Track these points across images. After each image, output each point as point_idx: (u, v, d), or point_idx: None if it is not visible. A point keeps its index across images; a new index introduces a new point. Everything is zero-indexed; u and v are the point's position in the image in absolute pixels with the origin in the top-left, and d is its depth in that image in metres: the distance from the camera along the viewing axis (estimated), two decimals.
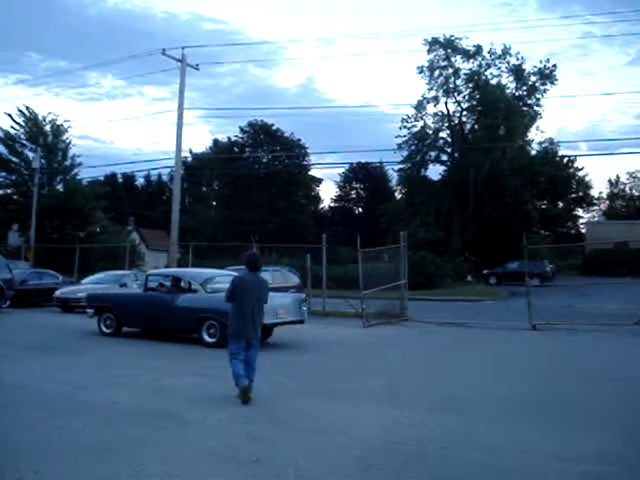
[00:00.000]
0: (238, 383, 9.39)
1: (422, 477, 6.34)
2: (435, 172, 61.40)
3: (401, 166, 60.33)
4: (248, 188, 62.74)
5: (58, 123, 48.37)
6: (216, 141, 72.84)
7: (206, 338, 15.52)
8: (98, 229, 48.11)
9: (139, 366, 12.70)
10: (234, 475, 6.26)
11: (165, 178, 77.79)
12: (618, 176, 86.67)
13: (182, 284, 16.99)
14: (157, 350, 15.15)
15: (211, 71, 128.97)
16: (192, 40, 77.73)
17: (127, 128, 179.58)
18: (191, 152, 70.80)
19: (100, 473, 6.24)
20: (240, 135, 67.70)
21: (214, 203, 73.00)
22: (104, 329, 17.57)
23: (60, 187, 48.08)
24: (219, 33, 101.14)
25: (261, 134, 67.08)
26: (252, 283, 9.94)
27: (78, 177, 49.19)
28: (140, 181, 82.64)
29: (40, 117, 47.86)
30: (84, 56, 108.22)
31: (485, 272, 48.40)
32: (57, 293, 25.74)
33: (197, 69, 34.85)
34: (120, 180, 76.07)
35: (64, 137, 48.52)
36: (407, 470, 6.54)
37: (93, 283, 26.34)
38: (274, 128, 66.31)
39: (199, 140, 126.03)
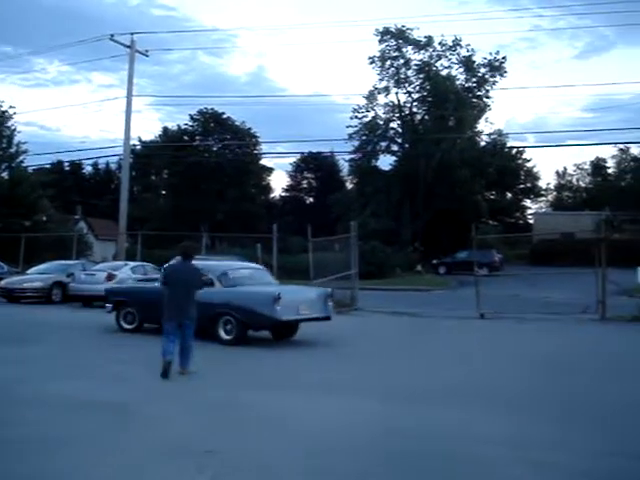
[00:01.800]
0: (164, 357, 10.43)
1: (377, 464, 6.34)
2: (386, 162, 61.67)
3: (352, 156, 60.50)
4: (198, 177, 62.15)
5: (2, 109, 47.30)
6: (166, 129, 71.97)
7: (222, 335, 14.51)
8: (44, 218, 47.15)
9: (102, 357, 12.51)
10: (188, 466, 6.18)
11: (113, 166, 76.72)
12: (565, 168, 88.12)
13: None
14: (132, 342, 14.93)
15: (161, 58, 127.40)
16: (141, 26, 76.94)
17: (74, 115, 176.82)
18: (140, 140, 69.75)
19: (51, 466, 6.12)
20: (190, 123, 67.04)
21: (163, 192, 72.19)
22: (124, 325, 16.53)
23: (5, 175, 47.02)
24: (169, 20, 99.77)
25: (211, 122, 66.50)
26: (183, 271, 11.13)
27: (24, 165, 48.19)
28: (88, 169, 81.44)
29: None
30: (30, 41, 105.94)
31: (435, 262, 48.79)
32: (2, 283, 25.21)
33: (146, 56, 34.41)
34: (67, 168, 74.77)
35: (9, 124, 47.44)
36: (362, 456, 6.54)
37: (39, 273, 25.88)
38: (225, 117, 65.84)
39: (148, 128, 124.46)
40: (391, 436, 7.32)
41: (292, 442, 7.06)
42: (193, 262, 11.50)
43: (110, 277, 23.71)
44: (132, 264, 26.06)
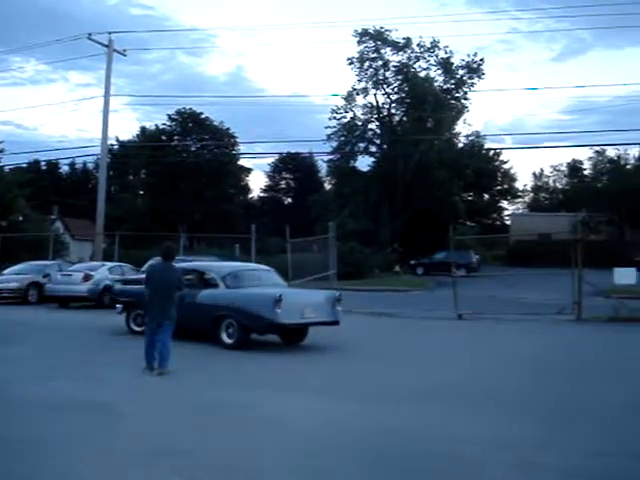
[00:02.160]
0: (147, 360, 10.97)
1: (355, 465, 6.35)
2: (364, 163, 61.74)
3: (330, 157, 60.49)
4: (176, 177, 61.85)
5: None
6: (143, 129, 71.59)
7: (225, 339, 14.03)
8: (20, 218, 46.70)
9: (82, 358, 12.43)
10: (164, 467, 6.17)
11: (91, 166, 76.07)
12: (542, 169, 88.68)
13: (205, 278, 15.46)
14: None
15: (139, 57, 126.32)
16: (119, 25, 76.36)
17: (51, 114, 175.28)
18: (117, 140, 69.30)
19: (28, 467, 6.08)
20: (168, 123, 66.74)
21: (141, 192, 71.74)
22: (134, 327, 15.91)
23: None
24: (147, 19, 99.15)
25: (190, 122, 66.19)
26: (163, 271, 11.44)
27: (0, 164, 47.71)
28: (65, 169, 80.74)
29: None
30: (7, 40, 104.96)
31: (413, 263, 48.94)
32: None
33: (124, 55, 34.20)
34: (44, 168, 74.12)
35: None
36: (340, 458, 6.55)
37: (15, 273, 25.66)
38: (203, 117, 65.61)
39: (126, 128, 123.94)
40: (378, 437, 7.34)
41: (272, 443, 7.06)
42: (173, 263, 11.81)
43: (87, 278, 23.58)
44: (109, 264, 25.93)
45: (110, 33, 32.84)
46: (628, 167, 64.80)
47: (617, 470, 6.32)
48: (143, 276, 20.93)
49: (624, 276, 23.99)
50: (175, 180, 61.95)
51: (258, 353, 13.60)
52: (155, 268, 12.09)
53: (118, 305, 16.49)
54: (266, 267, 17.23)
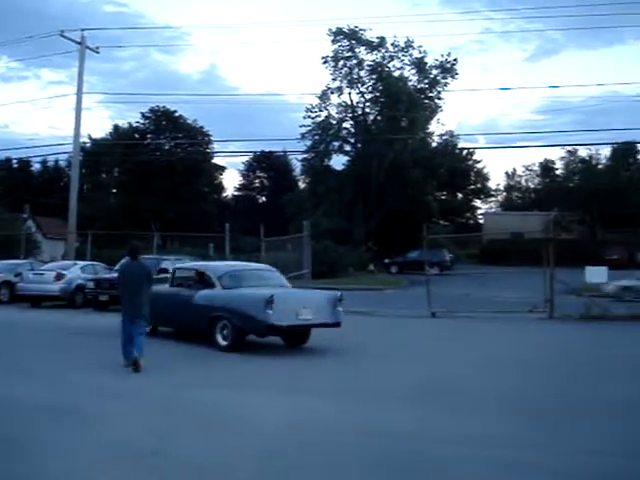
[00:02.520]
0: (125, 357, 11.30)
1: (326, 464, 6.35)
2: (339, 162, 61.79)
3: (305, 156, 60.49)
4: (149, 175, 61.46)
5: None
6: (116, 127, 71.07)
7: (219, 340, 13.68)
8: None
9: (52, 358, 12.31)
10: (134, 468, 6.13)
11: (63, 164, 75.41)
12: (515, 169, 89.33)
13: (204, 279, 15.06)
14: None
15: (111, 55, 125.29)
16: (92, 22, 75.65)
17: (23, 112, 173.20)
18: (90, 138, 68.72)
19: None
20: (141, 121, 66.30)
21: (114, 190, 71.22)
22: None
23: None
24: (120, 16, 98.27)
25: (163, 120, 65.81)
26: (133, 269, 11.86)
27: None
28: (36, 167, 79.83)
29: None
30: None
31: (387, 261, 49.07)
32: None
33: (97, 52, 33.97)
34: (15, 166, 73.32)
35: None
36: (310, 456, 6.55)
37: None
38: (177, 115, 65.26)
39: (99, 126, 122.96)
40: (354, 436, 7.35)
41: (243, 442, 7.04)
42: (141, 260, 12.43)
43: (59, 277, 23.39)
44: (82, 263, 25.74)
45: (83, 30, 32.64)
46: (600, 167, 65.46)
47: (600, 468, 6.36)
48: (116, 275, 20.90)
49: (595, 275, 24.25)
50: (148, 179, 61.57)
51: (250, 355, 13.27)
52: (124, 266, 12.52)
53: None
54: (268, 267, 16.85)
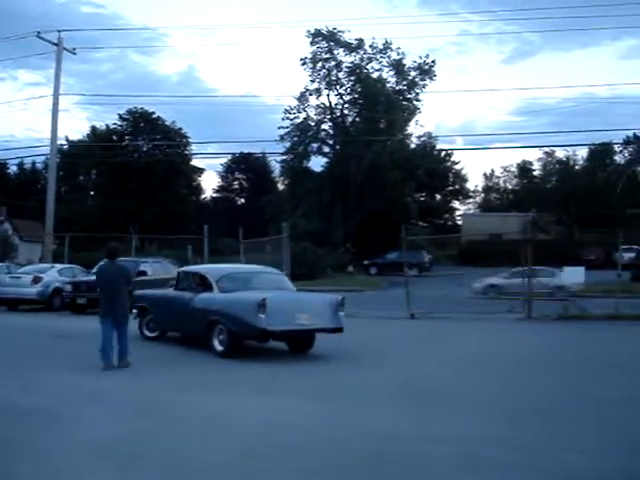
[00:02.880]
0: (104, 360, 11.34)
1: (302, 464, 6.35)
2: (317, 164, 61.82)
3: (284, 157, 60.44)
4: (127, 177, 61.15)
5: None
6: (94, 128, 70.71)
7: (216, 345, 13.18)
8: None
9: (29, 361, 12.20)
10: (111, 471, 6.08)
11: (40, 166, 74.88)
12: (493, 170, 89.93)
13: (204, 282, 14.49)
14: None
15: (89, 56, 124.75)
16: (69, 23, 75.13)
17: None
18: (67, 139, 68.35)
19: None
20: (119, 123, 65.99)
21: (92, 193, 70.89)
22: (146, 332, 15.41)
23: None
24: (98, 17, 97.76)
25: (141, 122, 65.54)
26: (111, 271, 12.03)
27: None
28: (13, 169, 79.20)
29: None
30: None
31: (366, 263, 49.14)
32: None
33: (74, 53, 33.81)
34: None
35: None
36: (288, 458, 6.54)
37: None
38: (155, 116, 64.99)
39: (76, 127, 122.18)
40: (326, 437, 7.35)
41: (223, 444, 7.02)
42: (118, 261, 12.67)
43: (36, 280, 23.22)
44: (59, 266, 25.58)
45: (60, 31, 32.45)
46: (577, 168, 66.07)
47: (577, 466, 6.40)
48: (94, 278, 20.80)
49: (573, 275, 24.47)
50: (126, 181, 61.28)
51: (243, 360, 12.75)
52: (102, 268, 12.67)
53: (134, 310, 15.52)
54: (273, 269, 16.37)
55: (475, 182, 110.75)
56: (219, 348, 13.10)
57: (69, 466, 6.26)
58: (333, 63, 58.27)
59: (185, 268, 16.99)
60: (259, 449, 6.82)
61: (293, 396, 9.51)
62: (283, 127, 58.58)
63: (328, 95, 59.32)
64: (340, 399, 9.34)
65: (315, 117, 59.78)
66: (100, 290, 12.27)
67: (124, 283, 11.93)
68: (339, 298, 13.79)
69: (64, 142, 63.75)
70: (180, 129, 66.02)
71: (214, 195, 79.25)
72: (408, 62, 58.44)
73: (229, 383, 10.67)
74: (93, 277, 22.79)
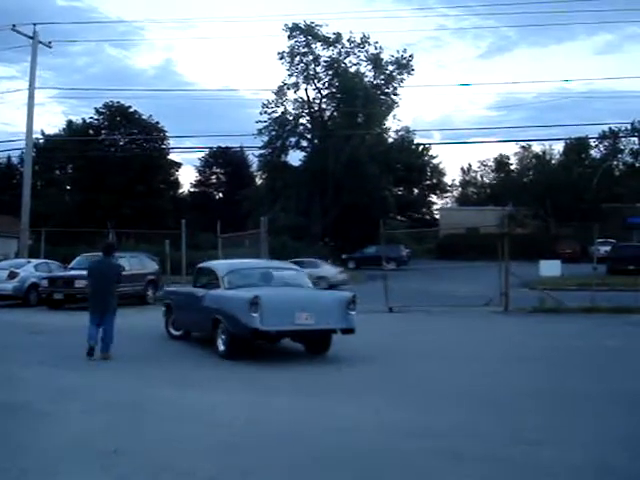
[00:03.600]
0: (88, 342, 11.85)
1: (284, 458, 6.37)
2: (296, 158, 61.79)
3: (262, 151, 60.34)
4: (104, 172, 60.69)
5: None
6: (70, 123, 70.22)
7: (219, 345, 12.39)
8: None
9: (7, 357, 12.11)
10: (93, 467, 6.06)
11: (15, 160, 74.17)
12: (470, 164, 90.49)
13: (215, 278, 13.58)
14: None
15: (65, 50, 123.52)
16: (45, 16, 74.32)
17: None
18: (43, 134, 67.86)
19: None
20: (95, 117, 65.49)
21: (68, 187, 70.35)
22: (172, 331, 14.76)
23: None
24: (73, 10, 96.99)
25: (117, 116, 65.07)
26: (102, 266, 12.63)
27: None
28: None
29: None
30: None
31: (344, 257, 49.20)
32: None
33: (50, 47, 33.47)
34: None
35: None
36: (269, 450, 6.56)
37: None
38: (131, 110, 64.55)
39: (52, 121, 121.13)
40: (305, 432, 7.37)
41: (204, 440, 7.02)
42: (112, 258, 13.21)
43: (12, 275, 23.04)
44: (35, 262, 25.38)
45: (35, 24, 32.10)
46: (553, 162, 66.49)
47: (533, 458, 6.47)
48: (71, 273, 20.69)
49: (549, 268, 24.65)
50: (103, 175, 60.84)
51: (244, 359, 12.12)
52: (96, 263, 13.11)
53: (162, 307, 15.59)
54: (291, 265, 15.62)
55: (453, 176, 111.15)
56: (221, 348, 12.35)
57: (46, 462, 6.22)
58: (311, 57, 58.25)
59: (202, 264, 15.62)
60: (239, 444, 6.83)
61: (273, 391, 9.53)
62: (261, 121, 58.54)
63: (306, 89, 59.41)
64: (321, 395, 9.37)
65: (293, 111, 59.82)
66: (91, 283, 12.70)
67: (114, 278, 12.52)
68: (349, 295, 12.72)
69: (40, 136, 63.29)
70: (157, 123, 65.66)
71: (192, 190, 78.91)
72: (386, 56, 58.63)
73: (216, 380, 10.64)
74: (70, 272, 22.75)
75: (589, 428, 7.51)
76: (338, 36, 57.64)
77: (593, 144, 65.13)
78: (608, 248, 39.39)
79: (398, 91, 59.11)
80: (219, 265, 14.32)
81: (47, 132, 69.52)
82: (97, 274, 12.50)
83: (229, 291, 12.71)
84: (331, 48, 58.34)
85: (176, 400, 8.82)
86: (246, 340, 12.18)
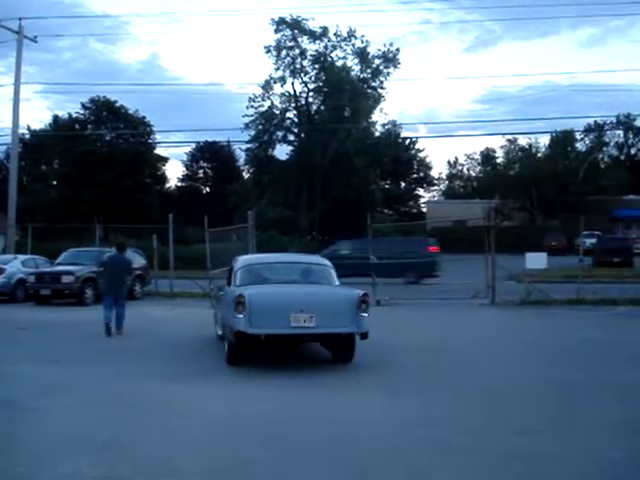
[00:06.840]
0: (105, 322, 14.24)
1: (269, 450, 6.43)
2: (283, 152, 61.76)
3: (249, 145, 60.27)
4: (91, 167, 60.39)
5: None
6: (56, 118, 69.82)
7: (225, 348, 11.32)
8: None
9: None
10: (83, 461, 6.09)
11: (1, 156, 73.82)
12: (456, 157, 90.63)
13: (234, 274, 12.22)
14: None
15: (50, 45, 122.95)
16: (30, 11, 73.82)
17: None
18: (29, 129, 67.46)
19: None
20: (81, 112, 65.20)
21: (54, 182, 70.02)
22: (218, 330, 13.21)
23: None
24: (58, 5, 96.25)
25: (104, 111, 64.78)
26: (117, 260, 15.49)
27: None
28: None
29: None
30: None
31: None
32: None
33: (35, 42, 33.27)
34: None
35: None
36: (254, 444, 6.62)
37: None
38: (117, 105, 64.27)
39: (37, 116, 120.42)
40: (290, 423, 7.43)
41: (191, 432, 7.07)
42: (124, 254, 15.82)
43: None
44: (22, 257, 25.27)
45: (20, 19, 31.89)
46: (539, 155, 66.75)
47: (517, 448, 6.56)
48: (58, 268, 20.78)
49: (535, 261, 24.81)
50: (90, 170, 60.56)
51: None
52: (111, 257, 16.09)
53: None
54: (318, 259, 13.87)
55: (439, 170, 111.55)
56: (225, 351, 11.27)
57: (36, 457, 6.25)
58: (297, 51, 58.20)
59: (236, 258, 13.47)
60: (225, 437, 6.88)
61: (268, 385, 9.58)
62: (248, 115, 58.51)
63: (293, 83, 59.41)
64: (313, 388, 9.43)
65: (280, 105, 59.81)
66: (106, 274, 15.38)
67: (125, 270, 15.51)
68: (359, 294, 10.92)
69: (26, 131, 62.91)
70: (144, 118, 65.41)
71: (179, 184, 78.70)
72: (372, 50, 58.66)
73: (208, 375, 10.67)
74: (57, 267, 22.70)
75: (580, 418, 7.61)
76: (324, 30, 57.62)
77: (578, 137, 65.51)
78: (594, 240, 39.64)
79: (385, 85, 59.30)
80: (239, 259, 12.67)
81: (33, 127, 69.10)
82: (111, 266, 15.27)
83: (231, 288, 11.62)
84: (317, 42, 58.33)
85: (164, 394, 8.85)
86: (247, 345, 10.72)
